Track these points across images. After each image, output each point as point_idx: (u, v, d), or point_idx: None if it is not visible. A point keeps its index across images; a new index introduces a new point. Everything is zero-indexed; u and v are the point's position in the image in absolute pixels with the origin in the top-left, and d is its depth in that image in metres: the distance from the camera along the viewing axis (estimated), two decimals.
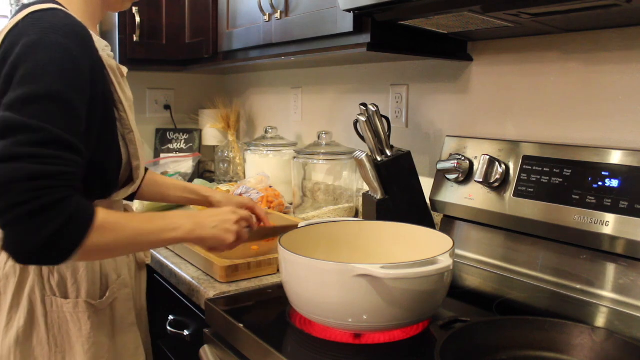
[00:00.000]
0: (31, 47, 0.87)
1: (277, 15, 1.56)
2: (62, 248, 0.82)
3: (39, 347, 1.02)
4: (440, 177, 1.44)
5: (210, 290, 1.17)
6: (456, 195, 1.40)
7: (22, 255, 0.81)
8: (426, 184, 1.50)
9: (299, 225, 1.15)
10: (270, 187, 1.92)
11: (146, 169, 1.36)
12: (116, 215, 0.92)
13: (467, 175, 1.37)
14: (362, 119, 1.40)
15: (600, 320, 1.07)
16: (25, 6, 0.96)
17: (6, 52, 0.89)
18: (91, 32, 1.00)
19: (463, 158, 1.38)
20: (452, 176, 1.40)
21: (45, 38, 0.88)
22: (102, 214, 0.86)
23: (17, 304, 1.01)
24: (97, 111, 0.96)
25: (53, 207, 0.80)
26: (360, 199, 1.60)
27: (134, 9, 2.06)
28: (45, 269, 1.01)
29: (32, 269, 1.01)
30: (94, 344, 1.04)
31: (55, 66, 0.87)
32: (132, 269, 1.16)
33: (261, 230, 1.24)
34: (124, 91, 1.07)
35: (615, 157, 1.13)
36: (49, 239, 0.79)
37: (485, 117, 1.46)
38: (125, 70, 1.12)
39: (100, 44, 1.04)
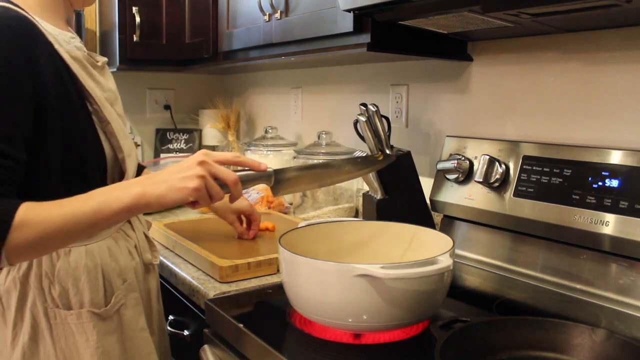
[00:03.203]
0: None
1: (277, 15, 1.56)
2: None
3: None
4: (440, 177, 1.44)
5: (210, 290, 1.17)
6: (456, 195, 1.40)
7: None
8: (426, 184, 1.50)
9: (299, 225, 1.15)
10: None
11: (143, 167, 1.35)
12: (42, 206, 0.82)
13: (467, 175, 1.37)
14: (362, 119, 1.40)
15: (601, 320, 1.07)
16: None
17: None
18: (49, 25, 0.97)
19: (463, 158, 1.38)
20: (452, 176, 1.40)
21: None
22: (24, 209, 0.80)
23: (20, 319, 0.98)
24: (51, 104, 0.91)
25: None
26: (360, 199, 1.60)
27: (134, 9, 2.07)
28: (45, 280, 0.97)
29: (32, 282, 0.97)
30: (103, 353, 1.01)
31: None
32: (139, 272, 1.12)
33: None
34: (98, 82, 1.04)
35: (615, 157, 1.13)
36: None
37: (485, 117, 1.46)
38: (101, 59, 1.09)
39: (64, 36, 1.01)
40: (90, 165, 1.00)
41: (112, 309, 1.03)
